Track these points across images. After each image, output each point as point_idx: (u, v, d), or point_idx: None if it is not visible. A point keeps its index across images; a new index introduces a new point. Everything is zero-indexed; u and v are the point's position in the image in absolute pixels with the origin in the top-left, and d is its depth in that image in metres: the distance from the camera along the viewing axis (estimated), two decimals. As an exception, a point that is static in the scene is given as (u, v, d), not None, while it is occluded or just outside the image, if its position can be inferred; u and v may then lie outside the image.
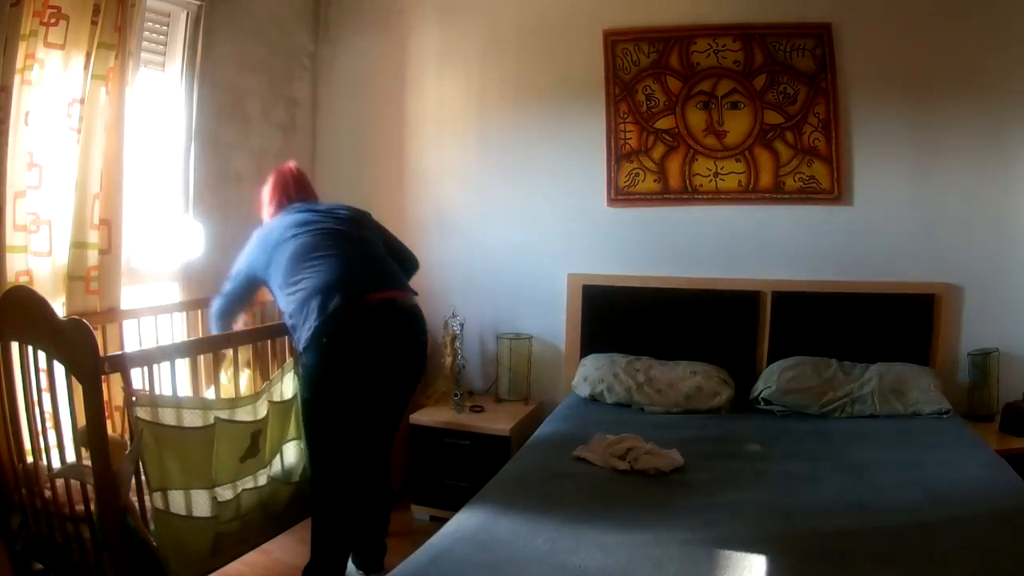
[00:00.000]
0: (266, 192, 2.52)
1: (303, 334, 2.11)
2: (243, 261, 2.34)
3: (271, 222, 2.37)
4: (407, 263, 2.52)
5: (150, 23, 2.77)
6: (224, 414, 2.00)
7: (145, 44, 2.74)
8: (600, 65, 3.20)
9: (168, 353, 2.01)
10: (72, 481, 1.86)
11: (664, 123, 3.15)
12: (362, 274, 2.19)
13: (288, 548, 2.63)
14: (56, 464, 1.92)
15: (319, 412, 2.18)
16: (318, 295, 2.09)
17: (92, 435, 1.72)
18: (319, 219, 2.30)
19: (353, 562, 2.35)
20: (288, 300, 2.17)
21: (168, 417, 1.84)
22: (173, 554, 1.83)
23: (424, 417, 3.07)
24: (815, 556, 1.59)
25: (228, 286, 2.37)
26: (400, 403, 2.35)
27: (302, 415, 2.25)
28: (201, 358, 2.41)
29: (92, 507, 1.81)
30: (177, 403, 1.90)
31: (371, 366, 2.14)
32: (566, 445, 2.38)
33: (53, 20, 2.24)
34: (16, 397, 1.99)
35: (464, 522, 1.80)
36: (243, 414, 2.07)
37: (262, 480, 2.16)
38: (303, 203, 2.43)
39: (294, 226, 2.26)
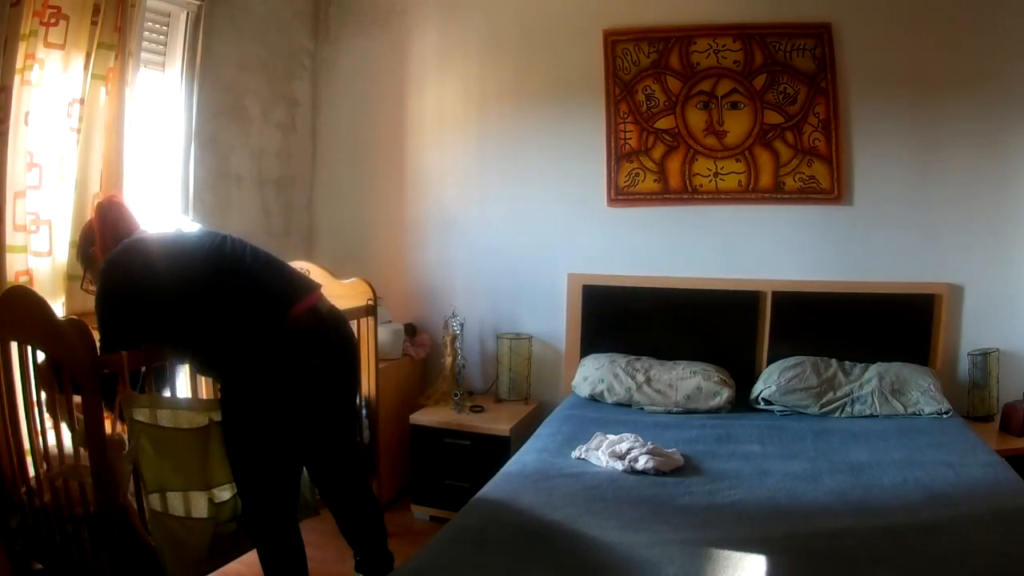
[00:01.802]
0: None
1: (226, 367, 1.90)
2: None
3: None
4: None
5: (150, 23, 2.77)
6: (219, 415, 1.99)
7: (145, 44, 2.74)
8: (600, 65, 3.20)
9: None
10: (71, 481, 1.85)
11: (664, 123, 3.15)
12: (273, 288, 1.93)
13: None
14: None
15: (253, 446, 1.90)
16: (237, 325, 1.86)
17: (91, 435, 1.71)
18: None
19: (358, 571, 2.30)
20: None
21: (165, 419, 1.84)
22: (171, 555, 1.83)
23: (424, 417, 3.07)
24: (815, 556, 1.59)
25: None
26: (347, 414, 2.16)
27: (228, 451, 1.94)
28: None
29: (91, 507, 1.81)
30: (173, 404, 1.89)
31: (309, 391, 1.93)
32: (566, 445, 2.38)
33: (53, 20, 2.24)
34: (16, 397, 1.99)
35: (464, 522, 1.80)
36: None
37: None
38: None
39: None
